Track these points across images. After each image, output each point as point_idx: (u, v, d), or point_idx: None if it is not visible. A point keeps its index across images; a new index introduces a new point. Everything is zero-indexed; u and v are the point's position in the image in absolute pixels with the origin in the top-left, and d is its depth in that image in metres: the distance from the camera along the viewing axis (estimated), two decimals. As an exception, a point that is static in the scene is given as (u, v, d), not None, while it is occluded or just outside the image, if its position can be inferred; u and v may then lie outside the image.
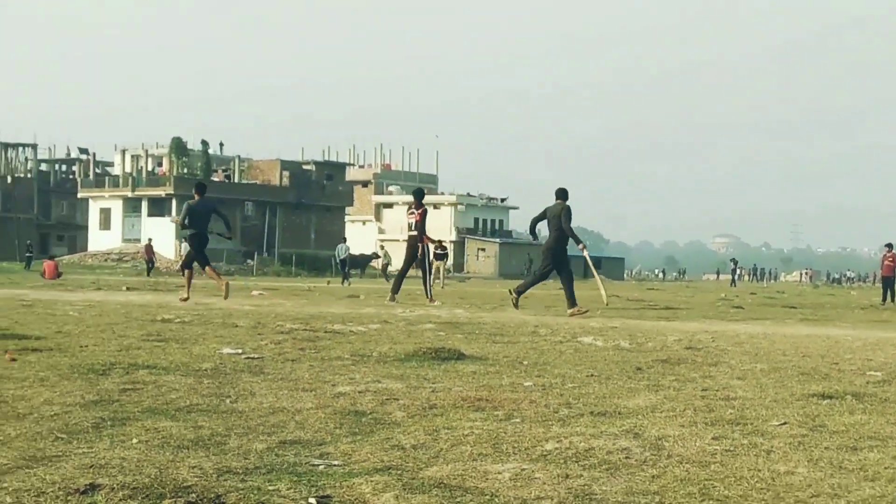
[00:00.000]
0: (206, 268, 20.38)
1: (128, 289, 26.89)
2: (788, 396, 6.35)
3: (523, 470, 4.09)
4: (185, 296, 19.29)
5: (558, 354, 8.98)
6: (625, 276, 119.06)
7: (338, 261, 50.67)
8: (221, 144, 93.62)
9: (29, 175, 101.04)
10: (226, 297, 19.31)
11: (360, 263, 68.45)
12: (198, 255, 20.24)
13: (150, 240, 60.99)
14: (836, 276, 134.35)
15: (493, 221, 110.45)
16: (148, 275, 52.61)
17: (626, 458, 4.36)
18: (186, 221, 20.17)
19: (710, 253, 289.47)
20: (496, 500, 3.63)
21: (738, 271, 74.82)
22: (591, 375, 7.32)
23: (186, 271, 20.54)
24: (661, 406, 5.83)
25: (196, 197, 20.34)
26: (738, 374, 7.64)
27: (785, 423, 5.27)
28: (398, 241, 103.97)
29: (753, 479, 3.98)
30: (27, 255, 65.21)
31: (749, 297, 34.76)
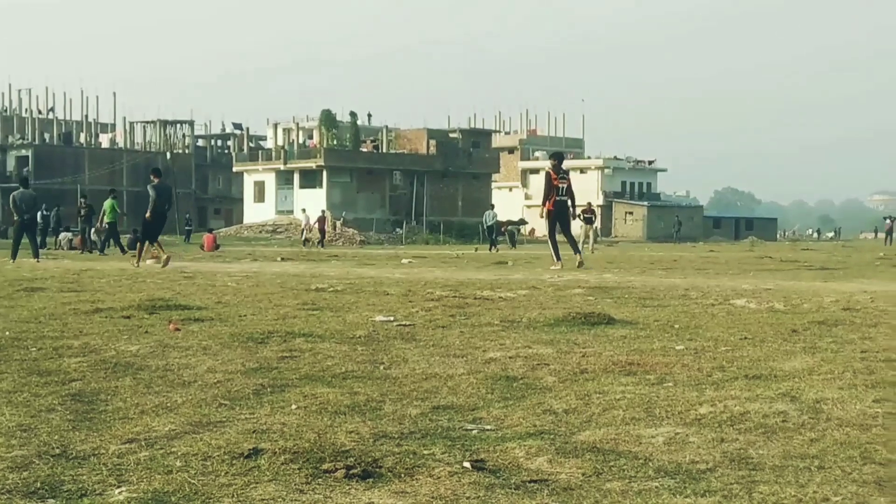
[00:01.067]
0: (155, 244, 22.16)
1: (282, 259, 27.56)
2: (954, 358, 6.11)
3: (677, 434, 4.06)
4: (160, 258, 21.37)
5: (710, 317, 8.84)
6: (777, 236, 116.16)
7: (485, 227, 50.67)
8: (369, 116, 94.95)
9: (187, 151, 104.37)
10: (163, 266, 20.42)
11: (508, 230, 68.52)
12: (155, 231, 22.19)
13: (323, 211, 61.69)
14: None
15: (640, 184, 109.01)
16: (321, 245, 53.30)
17: (783, 421, 4.29)
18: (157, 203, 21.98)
19: (867, 211, 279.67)
20: (650, 464, 3.62)
21: (894, 229, 71.15)
22: (745, 338, 7.20)
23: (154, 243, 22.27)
24: (819, 368, 5.70)
25: (156, 180, 22.34)
26: (899, 335, 7.39)
27: (950, 385, 5.08)
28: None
29: (917, 443, 3.87)
30: (186, 228, 67.45)
31: (911, 255, 33.47)
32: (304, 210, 62.86)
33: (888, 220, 73.58)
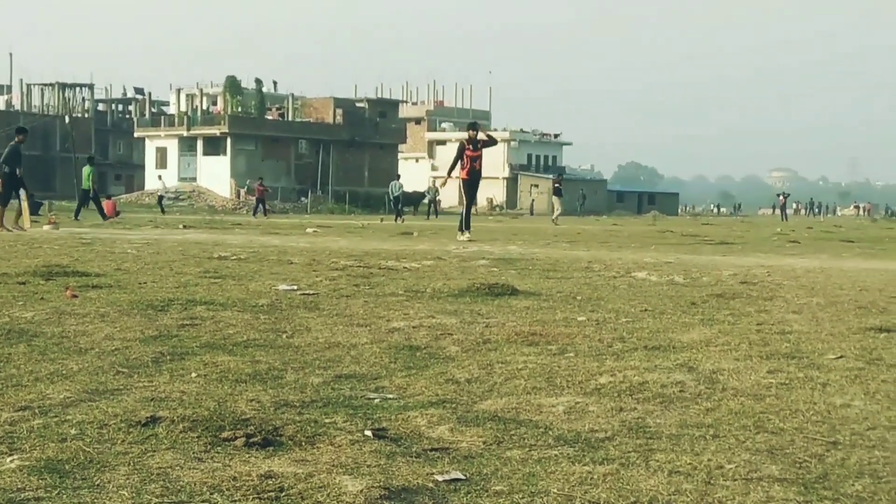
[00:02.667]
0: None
1: (184, 227, 27.17)
2: (845, 330, 6.29)
3: (577, 403, 4.11)
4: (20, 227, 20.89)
5: (612, 289, 8.96)
6: (679, 211, 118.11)
7: (391, 198, 50.70)
8: (275, 83, 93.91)
9: (86, 115, 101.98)
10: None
11: (414, 200, 68.52)
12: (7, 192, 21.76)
13: (260, 179, 58.14)
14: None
15: (546, 157, 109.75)
16: (255, 215, 51.27)
17: (681, 391, 4.36)
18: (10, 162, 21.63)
19: (766, 187, 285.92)
20: (550, 432, 3.66)
21: (790, 205, 72.91)
22: (645, 310, 7.31)
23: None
24: (716, 340, 5.81)
25: (20, 139, 21.98)
26: (793, 308, 7.59)
27: (841, 357, 5.23)
28: (451, 178, 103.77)
29: (809, 412, 3.97)
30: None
31: (805, 231, 34.37)
32: (261, 179, 59.06)
33: (781, 197, 75.13)
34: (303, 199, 77.15)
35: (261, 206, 53.08)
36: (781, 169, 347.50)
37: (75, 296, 7.56)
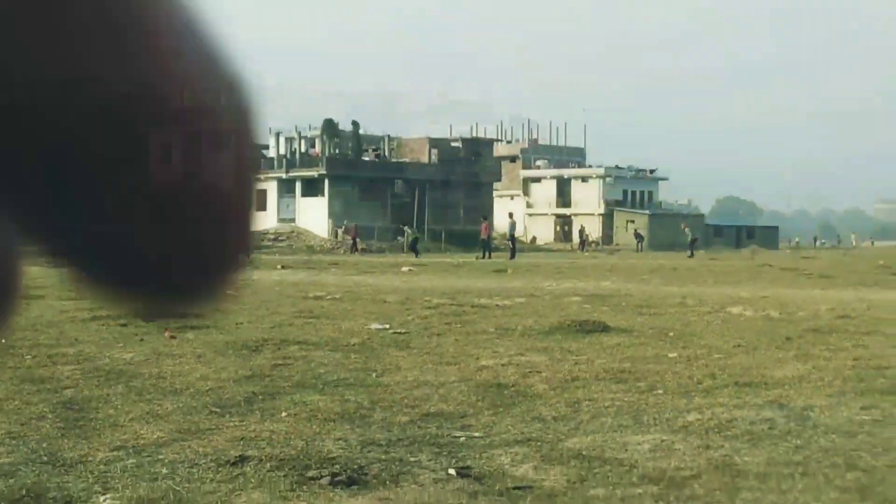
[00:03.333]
0: None
1: (282, 267, 27.57)
2: (945, 365, 6.12)
3: (663, 441, 4.08)
4: None
5: (705, 325, 8.86)
6: (779, 245, 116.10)
7: (509, 237, 50.46)
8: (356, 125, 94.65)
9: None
10: None
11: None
12: None
13: (355, 225, 65.07)
14: None
15: (641, 193, 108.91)
16: (352, 252, 56.40)
17: (770, 428, 4.30)
18: None
19: (868, 219, 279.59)
20: (635, 470, 3.64)
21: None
22: (738, 346, 7.21)
23: None
24: (809, 376, 5.71)
25: None
26: (893, 343, 7.41)
27: (939, 393, 5.10)
28: (546, 214, 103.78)
29: (902, 450, 3.88)
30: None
31: (912, 263, 33.46)
32: (355, 225, 66.95)
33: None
34: (399, 238, 77.73)
35: (355, 244, 59.18)
36: (887, 200, 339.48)
37: (173, 337, 7.74)
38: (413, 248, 53.87)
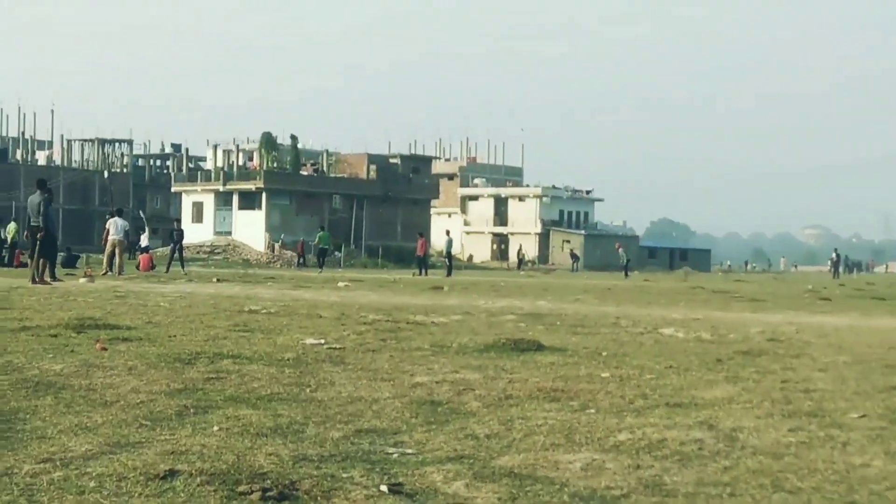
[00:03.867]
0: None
1: (218, 280, 27.35)
2: (870, 389, 6.26)
3: (594, 460, 4.11)
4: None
5: (638, 346, 8.95)
6: (711, 267, 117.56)
7: (445, 254, 50.12)
8: (295, 140, 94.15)
9: (125, 170, 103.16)
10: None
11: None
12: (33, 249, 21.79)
13: (302, 241, 64.35)
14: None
15: (577, 213, 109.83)
16: (298, 268, 55.61)
17: (699, 449, 4.36)
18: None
19: (798, 244, 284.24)
20: (566, 489, 3.66)
21: (839, 263, 71.14)
22: (670, 367, 7.30)
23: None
24: (739, 398, 5.80)
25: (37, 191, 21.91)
26: (819, 366, 7.55)
27: (864, 416, 5.20)
28: (483, 233, 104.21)
29: (827, 471, 3.96)
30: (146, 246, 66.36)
31: (837, 288, 34.11)
32: (302, 239, 66.16)
33: (834, 255, 72.36)
34: (336, 253, 77.44)
35: (302, 259, 59.65)
36: (814, 226, 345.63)
37: (105, 348, 7.64)
38: (320, 258, 50.61)
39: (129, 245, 59.23)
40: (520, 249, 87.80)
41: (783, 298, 22.44)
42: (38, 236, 21.13)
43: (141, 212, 34.80)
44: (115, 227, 29.59)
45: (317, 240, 52.24)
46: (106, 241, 29.59)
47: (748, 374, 6.92)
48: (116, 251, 29.02)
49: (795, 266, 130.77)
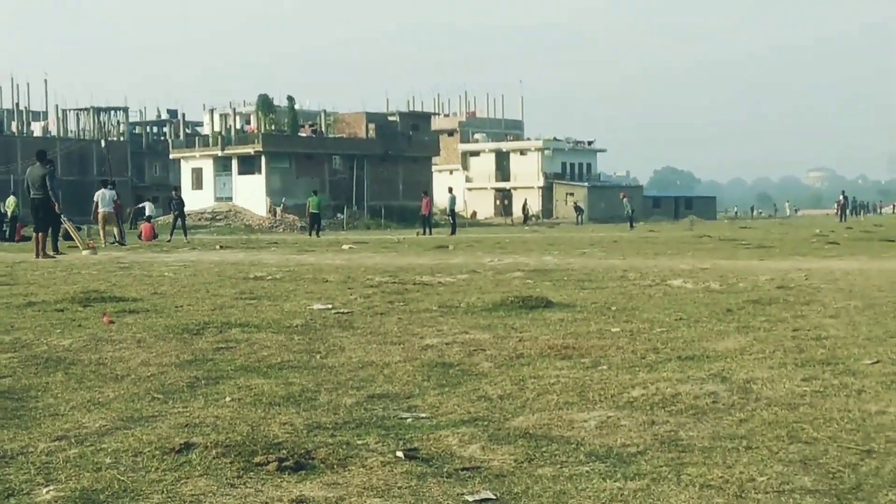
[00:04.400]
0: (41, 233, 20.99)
1: (221, 247, 27.33)
2: (882, 334, 6.24)
3: (609, 417, 4.10)
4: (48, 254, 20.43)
5: (647, 299, 8.93)
6: (717, 215, 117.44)
7: (449, 211, 49.39)
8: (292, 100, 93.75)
9: (122, 138, 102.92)
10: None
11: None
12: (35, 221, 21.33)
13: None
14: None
15: (580, 165, 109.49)
16: (310, 234, 50.79)
17: (714, 402, 4.34)
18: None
19: (804, 188, 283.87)
20: (581, 448, 3.65)
21: (846, 205, 70.47)
22: (680, 319, 7.28)
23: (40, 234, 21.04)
24: (751, 348, 5.78)
25: (36, 163, 21.41)
26: (830, 312, 7.53)
27: (878, 362, 5.18)
28: (486, 188, 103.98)
29: (843, 420, 3.95)
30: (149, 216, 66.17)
31: (845, 231, 34.04)
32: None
33: (841, 197, 71.68)
34: (338, 215, 77.36)
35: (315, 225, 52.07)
36: (819, 168, 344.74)
37: (112, 322, 7.63)
38: (314, 224, 45.98)
39: (134, 214, 59.03)
40: (525, 204, 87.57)
41: (791, 244, 22.39)
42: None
43: (110, 185, 34.17)
44: (102, 199, 29.68)
45: (308, 204, 49.06)
46: (96, 214, 29.69)
47: (759, 324, 6.90)
48: (107, 222, 29.22)
49: (796, 210, 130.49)
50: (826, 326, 6.67)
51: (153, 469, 3.44)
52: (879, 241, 23.12)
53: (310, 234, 43.30)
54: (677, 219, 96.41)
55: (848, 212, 72.13)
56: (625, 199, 57.56)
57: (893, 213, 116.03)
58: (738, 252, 18.68)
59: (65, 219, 22.25)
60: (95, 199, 29.99)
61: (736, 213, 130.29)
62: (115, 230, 29.16)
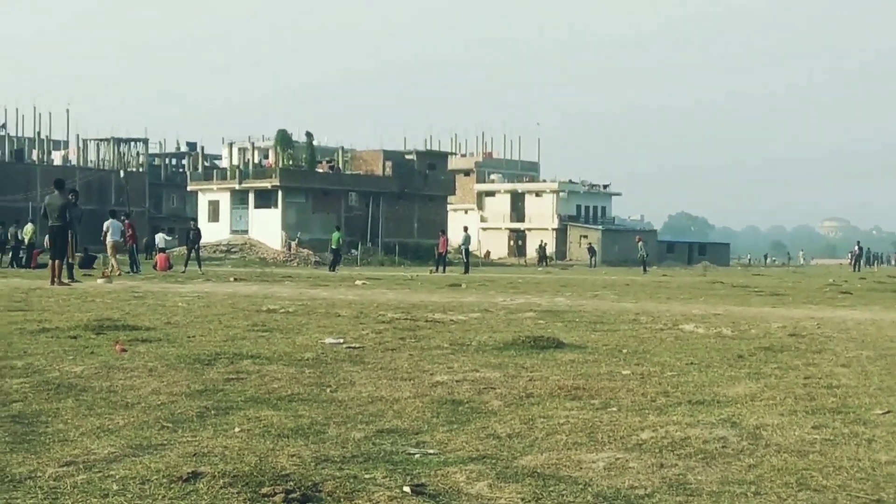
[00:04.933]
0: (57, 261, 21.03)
1: (235, 280, 27.40)
2: (894, 384, 6.22)
3: (618, 459, 4.09)
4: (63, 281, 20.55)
5: (659, 342, 8.92)
6: (730, 261, 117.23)
7: (463, 251, 49.29)
8: (310, 136, 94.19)
9: (141, 169, 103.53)
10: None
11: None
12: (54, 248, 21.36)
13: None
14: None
15: (595, 208, 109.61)
16: (331, 269, 50.38)
17: (723, 447, 4.33)
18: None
19: (818, 237, 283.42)
20: (589, 489, 3.64)
21: (861, 256, 70.26)
22: (691, 363, 7.27)
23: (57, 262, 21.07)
24: (762, 394, 5.76)
25: (55, 192, 21.74)
26: (842, 361, 7.51)
27: (889, 412, 5.17)
28: (500, 228, 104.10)
29: (853, 469, 3.93)
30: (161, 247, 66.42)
31: (858, 282, 33.93)
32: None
33: (856, 247, 71.02)
34: (353, 251, 77.51)
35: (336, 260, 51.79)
36: (834, 218, 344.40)
37: (124, 350, 7.66)
38: (334, 259, 46.77)
39: (146, 245, 59.14)
40: (541, 245, 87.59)
41: (804, 292, 22.33)
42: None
43: (124, 216, 34.75)
44: (111, 229, 30.04)
45: (332, 240, 49.27)
46: (105, 244, 30.11)
47: (770, 371, 6.88)
48: (118, 251, 29.75)
49: (810, 259, 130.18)
50: (837, 375, 6.65)
51: (160, 497, 3.45)
52: (893, 292, 23.04)
53: (331, 270, 43.33)
54: (691, 264, 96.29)
55: (862, 262, 71.87)
56: (640, 243, 57.50)
57: None
58: (751, 299, 18.64)
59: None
60: (105, 228, 30.28)
61: (749, 260, 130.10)
62: (113, 261, 29.33)
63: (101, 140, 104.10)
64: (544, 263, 79.69)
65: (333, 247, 47.07)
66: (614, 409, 5.31)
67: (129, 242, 33.68)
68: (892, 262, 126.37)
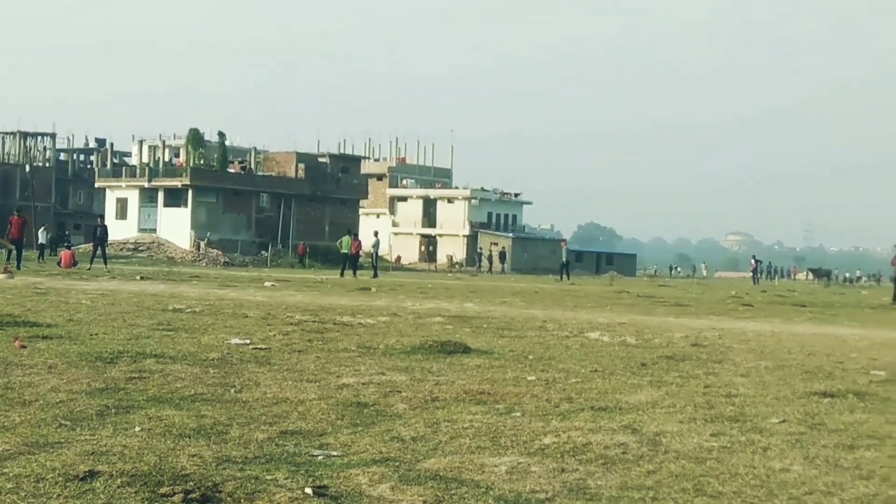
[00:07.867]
0: None
1: (141, 278, 26.95)
2: (790, 394, 6.37)
3: (520, 463, 4.12)
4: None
5: (564, 349, 9.01)
6: (637, 272, 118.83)
7: (374, 255, 48.70)
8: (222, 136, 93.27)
9: (47, 164, 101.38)
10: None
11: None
12: None
13: (303, 243, 58.00)
14: (847, 275, 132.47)
15: (506, 216, 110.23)
16: (341, 275, 48.30)
17: (623, 453, 4.39)
18: None
19: (722, 250, 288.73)
20: (491, 492, 3.66)
21: (759, 269, 72.31)
22: (595, 371, 7.36)
23: None
24: (662, 402, 5.86)
25: None
26: (741, 371, 7.67)
27: (784, 421, 5.29)
28: (412, 234, 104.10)
29: (748, 476, 4.01)
30: (41, 244, 65.23)
31: (759, 294, 34.64)
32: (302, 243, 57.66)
33: (753, 261, 73.13)
34: (263, 252, 76.86)
35: (301, 261, 49.77)
36: (738, 233, 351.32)
37: (24, 346, 7.49)
38: (354, 264, 42.39)
39: (53, 241, 57.99)
40: (491, 251, 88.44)
41: (706, 304, 22.73)
42: None
43: (16, 211, 34.68)
44: None
45: (340, 244, 46.40)
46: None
47: (672, 379, 7.00)
48: None
49: (709, 271, 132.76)
50: (736, 385, 6.80)
51: (55, 496, 3.38)
52: (792, 306, 23.58)
53: (341, 275, 41.09)
54: (598, 273, 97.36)
55: (762, 275, 73.56)
56: (564, 248, 57.86)
57: (806, 279, 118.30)
58: (656, 309, 18.92)
59: None
60: None
61: (655, 271, 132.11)
62: None
63: (6, 133, 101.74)
64: (480, 268, 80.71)
65: (343, 251, 43.47)
66: (518, 414, 5.35)
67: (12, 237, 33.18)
68: (793, 277, 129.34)
